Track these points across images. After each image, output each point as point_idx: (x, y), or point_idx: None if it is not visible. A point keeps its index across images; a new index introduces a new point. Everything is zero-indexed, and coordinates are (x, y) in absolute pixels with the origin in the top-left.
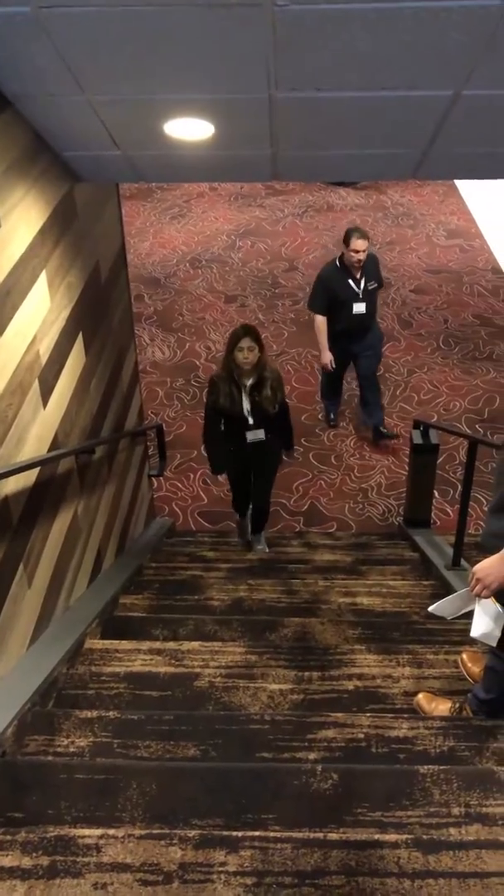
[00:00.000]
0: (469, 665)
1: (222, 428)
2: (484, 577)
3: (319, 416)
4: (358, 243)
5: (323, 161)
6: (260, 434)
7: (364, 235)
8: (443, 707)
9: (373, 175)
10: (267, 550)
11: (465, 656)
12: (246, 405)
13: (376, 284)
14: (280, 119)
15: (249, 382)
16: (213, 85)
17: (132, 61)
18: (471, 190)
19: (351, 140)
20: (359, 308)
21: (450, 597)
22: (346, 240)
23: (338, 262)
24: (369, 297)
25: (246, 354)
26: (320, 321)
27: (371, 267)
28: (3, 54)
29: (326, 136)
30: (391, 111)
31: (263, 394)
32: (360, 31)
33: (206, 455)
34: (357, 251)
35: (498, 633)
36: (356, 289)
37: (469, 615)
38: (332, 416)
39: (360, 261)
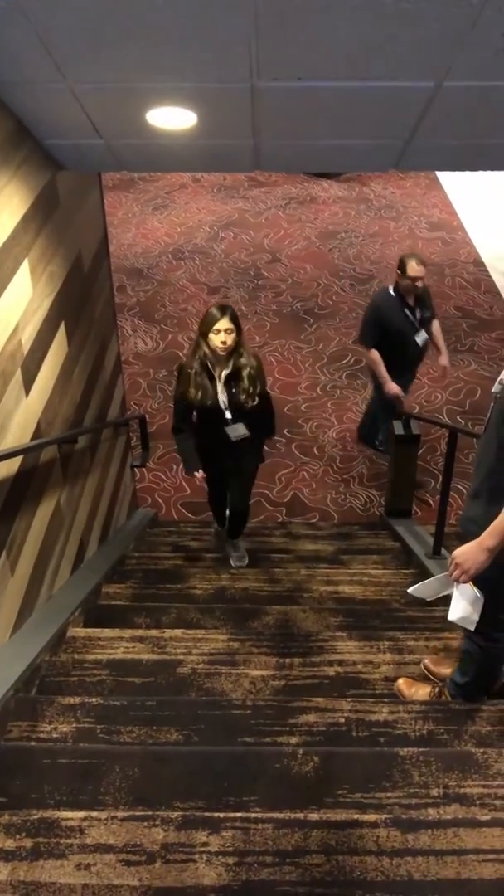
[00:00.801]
0: (434, 669)
1: (195, 421)
2: (463, 563)
3: (303, 408)
4: (418, 269)
5: (305, 151)
6: (241, 430)
7: (422, 260)
8: (422, 692)
9: (355, 166)
10: (245, 563)
11: (427, 661)
12: (223, 398)
13: (429, 314)
14: (262, 109)
15: (226, 372)
16: (195, 73)
17: (113, 48)
18: (453, 183)
19: (333, 130)
20: (421, 338)
21: (429, 580)
22: (402, 267)
23: (392, 291)
24: (425, 328)
25: (224, 338)
26: (376, 354)
27: (425, 296)
28: None
29: (308, 126)
30: (373, 102)
31: (241, 385)
32: (341, 20)
33: (178, 454)
34: (417, 277)
35: (476, 618)
36: (412, 318)
37: (445, 599)
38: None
39: (417, 287)
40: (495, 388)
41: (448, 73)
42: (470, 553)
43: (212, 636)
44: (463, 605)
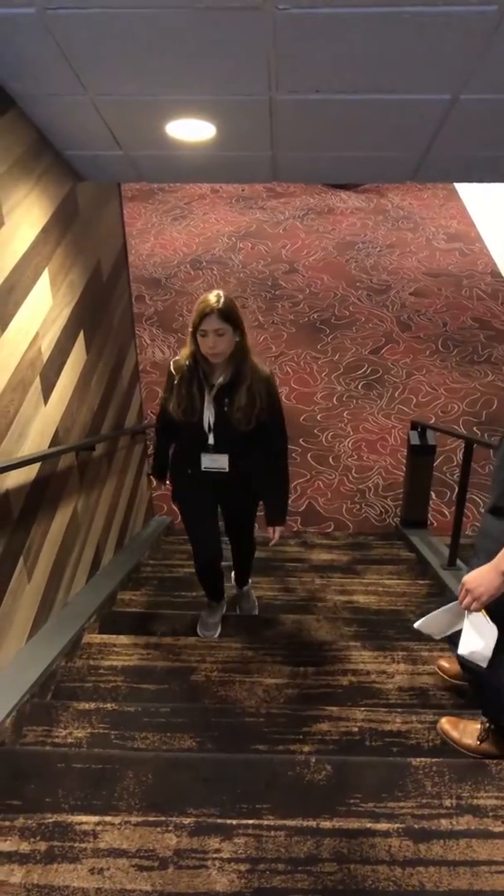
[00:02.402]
0: (448, 667)
1: (177, 440)
2: (474, 588)
3: (318, 418)
4: None
5: (322, 163)
6: (221, 461)
7: None
8: (471, 728)
9: (372, 177)
10: (255, 612)
11: (441, 662)
12: (208, 415)
13: None
14: (280, 121)
15: (219, 381)
16: (214, 86)
17: (135, 62)
18: (471, 194)
19: (350, 142)
20: None
21: (437, 612)
22: None
23: None
24: None
25: (212, 343)
26: None
27: None
28: (8, 54)
29: (326, 138)
30: (390, 114)
31: (237, 401)
32: (359, 34)
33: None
34: None
35: (489, 653)
36: None
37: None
38: None
39: None
40: None
41: (465, 85)
42: (482, 578)
43: (225, 644)
44: (475, 639)
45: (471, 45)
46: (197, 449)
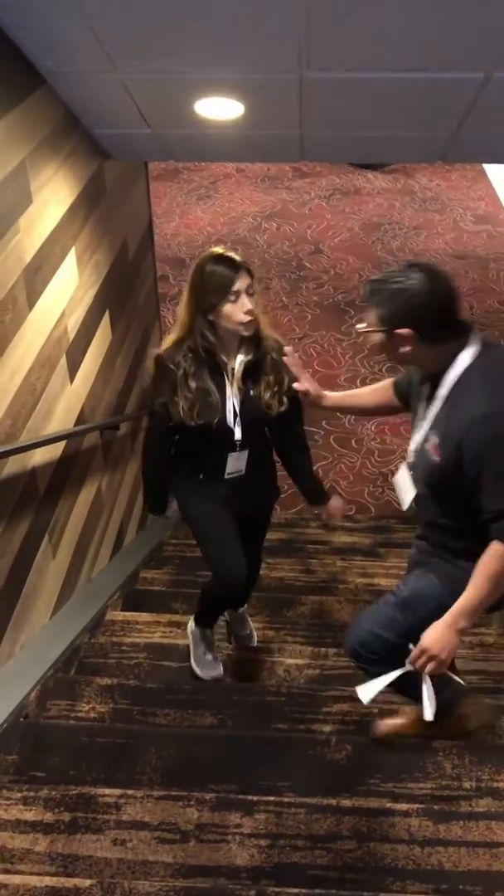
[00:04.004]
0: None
1: (183, 447)
2: (439, 651)
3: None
4: None
5: (351, 142)
6: (241, 462)
7: None
8: None
9: (401, 157)
10: (254, 643)
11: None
12: (233, 404)
13: None
14: (309, 99)
15: (241, 360)
16: (244, 64)
17: (164, 39)
18: (500, 175)
19: (379, 121)
20: None
21: (381, 679)
22: None
23: None
24: None
25: (249, 306)
26: None
27: None
28: (38, 31)
29: (355, 117)
30: (421, 93)
31: (263, 380)
32: (391, 9)
33: (143, 484)
34: None
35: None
36: None
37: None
38: None
39: None
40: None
41: (499, 63)
42: (442, 636)
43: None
44: (433, 700)
45: None
46: (219, 451)
